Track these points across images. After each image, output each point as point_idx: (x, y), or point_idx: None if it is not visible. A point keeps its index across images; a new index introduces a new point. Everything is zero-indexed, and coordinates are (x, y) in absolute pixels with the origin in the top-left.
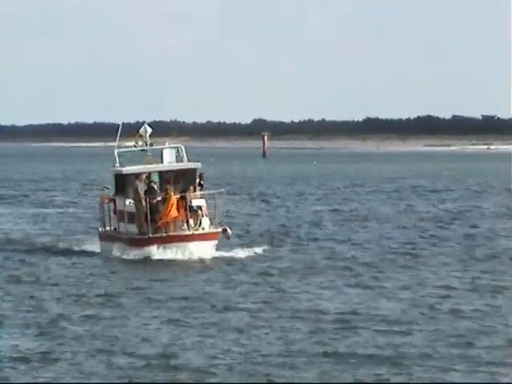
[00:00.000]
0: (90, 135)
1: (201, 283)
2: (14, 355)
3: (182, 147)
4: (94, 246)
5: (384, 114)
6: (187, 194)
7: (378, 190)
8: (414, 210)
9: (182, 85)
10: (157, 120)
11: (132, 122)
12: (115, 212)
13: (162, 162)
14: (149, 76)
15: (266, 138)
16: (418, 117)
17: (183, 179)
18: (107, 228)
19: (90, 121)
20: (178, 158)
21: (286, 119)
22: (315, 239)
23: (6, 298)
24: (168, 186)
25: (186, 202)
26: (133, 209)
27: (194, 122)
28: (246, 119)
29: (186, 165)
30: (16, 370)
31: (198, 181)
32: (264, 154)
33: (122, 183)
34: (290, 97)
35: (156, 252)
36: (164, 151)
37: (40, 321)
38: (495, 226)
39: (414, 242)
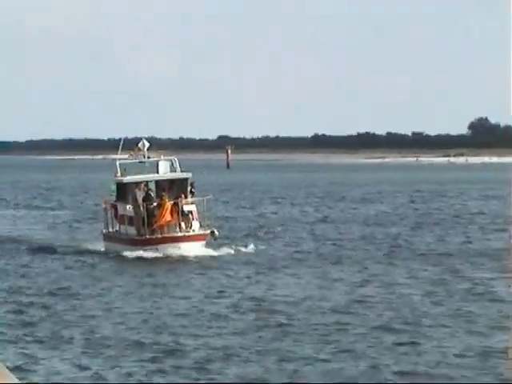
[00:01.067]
0: (80, 149)
1: (186, 276)
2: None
3: (176, 159)
4: (99, 245)
5: (330, 131)
6: (180, 200)
7: (329, 196)
8: (358, 212)
9: (157, 106)
10: (138, 136)
11: (116, 137)
12: (117, 216)
13: (157, 172)
14: (129, 98)
15: (229, 151)
16: (358, 133)
17: (176, 187)
18: (110, 230)
19: (81, 137)
20: (172, 169)
21: (247, 135)
22: (281, 237)
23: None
24: (163, 194)
25: (178, 208)
26: (132, 213)
27: (168, 138)
28: (212, 135)
29: (178, 175)
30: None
31: (189, 188)
32: (228, 165)
33: (123, 191)
34: (250, 116)
35: (152, 251)
36: (160, 163)
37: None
38: (422, 228)
39: (357, 240)
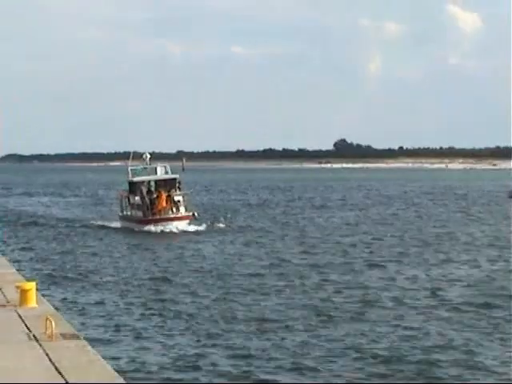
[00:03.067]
0: (89, 159)
1: (175, 243)
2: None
3: (168, 166)
4: (117, 223)
5: (247, 147)
6: (171, 193)
7: (254, 188)
8: (274, 200)
9: (135, 123)
10: (117, 151)
11: (112, 151)
12: (129, 204)
13: (156, 174)
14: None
15: (184, 160)
16: (264, 149)
17: (169, 184)
18: (124, 213)
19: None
20: (166, 172)
21: (195, 150)
22: (237, 219)
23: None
24: (160, 189)
25: (171, 198)
26: (139, 202)
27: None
28: (172, 150)
29: (170, 176)
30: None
31: (177, 185)
32: (183, 169)
33: (133, 187)
34: (196, 137)
35: (153, 227)
36: (157, 168)
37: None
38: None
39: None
